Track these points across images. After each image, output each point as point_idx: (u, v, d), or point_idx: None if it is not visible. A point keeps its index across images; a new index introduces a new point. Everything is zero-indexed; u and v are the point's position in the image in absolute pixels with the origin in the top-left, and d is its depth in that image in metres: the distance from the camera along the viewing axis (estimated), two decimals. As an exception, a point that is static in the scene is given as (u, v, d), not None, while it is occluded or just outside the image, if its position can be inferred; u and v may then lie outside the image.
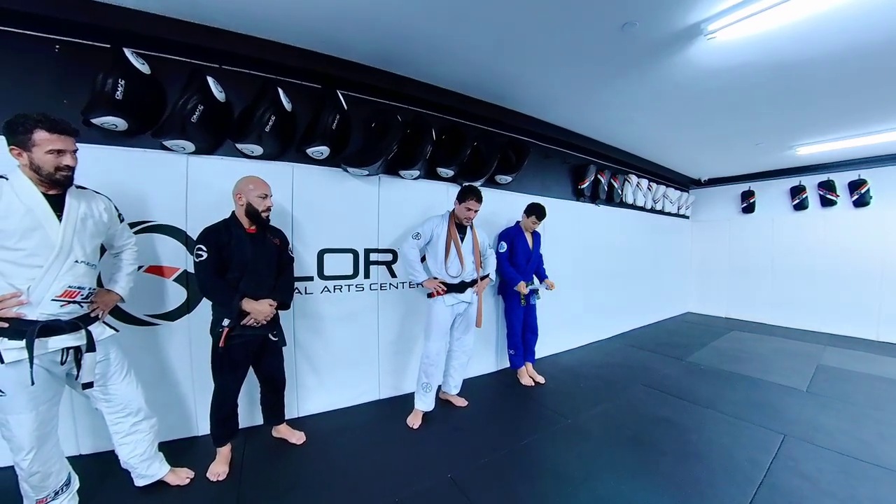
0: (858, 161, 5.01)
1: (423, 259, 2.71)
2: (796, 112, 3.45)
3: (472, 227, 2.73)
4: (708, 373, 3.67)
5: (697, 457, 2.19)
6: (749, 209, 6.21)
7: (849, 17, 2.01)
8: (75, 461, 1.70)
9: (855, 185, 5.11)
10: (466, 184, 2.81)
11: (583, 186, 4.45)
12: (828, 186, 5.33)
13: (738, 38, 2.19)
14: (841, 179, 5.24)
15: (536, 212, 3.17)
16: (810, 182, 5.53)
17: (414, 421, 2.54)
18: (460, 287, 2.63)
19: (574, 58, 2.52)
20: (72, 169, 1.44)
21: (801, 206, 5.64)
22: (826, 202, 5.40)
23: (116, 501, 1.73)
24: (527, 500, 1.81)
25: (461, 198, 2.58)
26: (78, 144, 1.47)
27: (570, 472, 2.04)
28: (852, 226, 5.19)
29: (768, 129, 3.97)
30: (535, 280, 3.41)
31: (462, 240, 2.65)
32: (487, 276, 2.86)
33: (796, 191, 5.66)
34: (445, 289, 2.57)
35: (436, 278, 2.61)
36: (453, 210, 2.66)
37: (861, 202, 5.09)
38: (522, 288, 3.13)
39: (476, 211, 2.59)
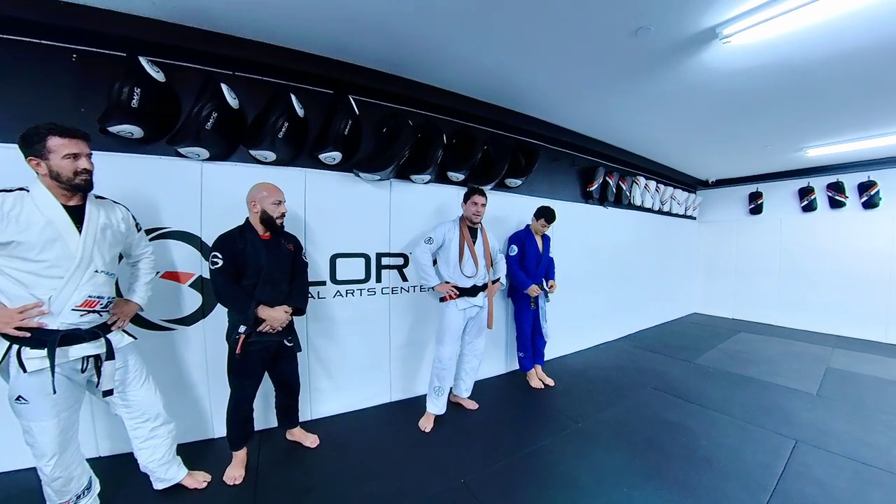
0: (868, 162, 4.96)
1: (434, 263, 2.72)
2: (808, 114, 3.42)
3: (482, 230, 2.74)
4: (717, 375, 3.66)
5: (709, 462, 2.19)
6: (757, 210, 6.18)
7: (864, 19, 1.98)
8: (94, 462, 1.72)
9: (864, 187, 5.06)
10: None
11: (591, 189, 4.45)
12: (837, 188, 5.29)
13: (753, 41, 2.17)
14: (850, 181, 5.20)
15: (546, 215, 3.17)
16: (819, 183, 5.49)
17: (426, 424, 2.56)
18: (472, 291, 2.64)
19: (586, 62, 2.52)
20: (90, 172, 1.45)
21: (809, 207, 5.60)
22: (835, 204, 5.36)
23: (136, 505, 1.76)
24: (541, 507, 1.82)
25: (465, 198, 2.62)
26: (94, 152, 1.48)
27: (582, 477, 2.05)
28: (861, 227, 5.15)
29: (779, 131, 3.94)
30: (544, 283, 3.41)
31: (474, 243, 2.66)
32: (498, 279, 2.87)
33: (805, 192, 5.62)
34: (458, 293, 2.58)
35: (448, 282, 2.62)
36: (463, 214, 2.67)
37: (870, 204, 5.05)
38: (534, 291, 3.13)
39: (482, 205, 2.60)
